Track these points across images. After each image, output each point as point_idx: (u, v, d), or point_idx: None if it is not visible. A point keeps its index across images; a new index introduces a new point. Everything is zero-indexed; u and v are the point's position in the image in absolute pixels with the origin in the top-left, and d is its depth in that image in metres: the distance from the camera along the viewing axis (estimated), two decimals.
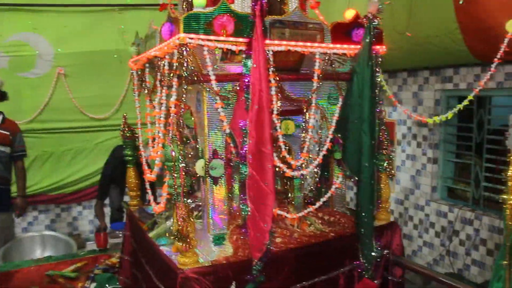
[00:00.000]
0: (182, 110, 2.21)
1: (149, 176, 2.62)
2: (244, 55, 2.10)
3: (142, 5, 5.87)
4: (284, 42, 2.32)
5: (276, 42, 2.31)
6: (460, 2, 3.21)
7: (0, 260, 4.42)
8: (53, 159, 6.01)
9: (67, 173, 6.06)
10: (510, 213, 1.60)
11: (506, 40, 2.93)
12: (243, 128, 2.11)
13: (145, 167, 2.86)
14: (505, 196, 1.60)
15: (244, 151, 2.10)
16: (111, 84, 5.89)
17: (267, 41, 2.28)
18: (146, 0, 5.79)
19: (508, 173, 1.59)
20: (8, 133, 4.68)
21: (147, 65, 2.83)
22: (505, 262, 1.63)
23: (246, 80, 2.04)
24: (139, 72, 2.97)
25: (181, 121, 2.17)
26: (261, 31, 1.99)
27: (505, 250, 1.64)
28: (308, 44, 2.39)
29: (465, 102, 3.52)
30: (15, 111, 5.58)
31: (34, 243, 4.85)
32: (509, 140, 3.86)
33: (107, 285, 3.23)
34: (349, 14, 2.63)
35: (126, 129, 3.38)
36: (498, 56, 2.83)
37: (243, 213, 2.17)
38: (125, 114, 3.37)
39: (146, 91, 2.87)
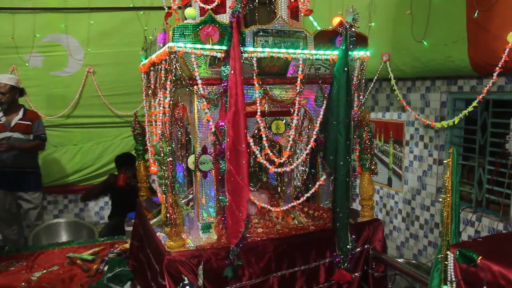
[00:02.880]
0: (178, 110, 2.47)
1: (152, 169, 2.90)
2: (222, 62, 2.33)
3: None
4: (267, 49, 2.54)
5: (259, 49, 2.52)
6: (475, 15, 3.35)
7: (31, 241, 4.87)
8: (82, 152, 6.46)
9: (95, 166, 6.51)
10: (446, 211, 1.76)
11: (507, 50, 3.08)
12: (222, 127, 2.35)
13: (151, 160, 3.14)
14: (443, 195, 1.76)
15: (223, 148, 2.34)
16: (137, 83, 6.22)
17: (251, 49, 2.51)
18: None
19: (447, 175, 1.74)
20: (29, 122, 5.20)
21: (151, 68, 3.10)
22: (442, 255, 1.80)
23: (224, 85, 2.28)
24: (146, 75, 3.25)
25: (175, 120, 2.44)
26: (237, 40, 2.22)
27: (442, 244, 1.81)
28: (290, 50, 2.60)
29: (470, 109, 3.66)
30: (48, 107, 6.09)
31: (60, 229, 5.27)
32: (509, 144, 3.92)
33: (116, 267, 3.54)
34: (335, 21, 2.80)
35: (137, 125, 3.68)
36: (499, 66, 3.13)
37: (221, 203, 2.41)
38: (135, 112, 3.66)
39: (150, 92, 3.15)
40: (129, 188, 5.36)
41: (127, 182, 5.45)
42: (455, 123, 3.83)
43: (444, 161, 1.86)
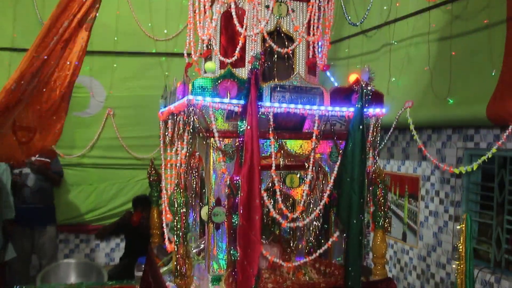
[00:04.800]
0: (194, 160, 2.51)
1: (168, 217, 2.91)
2: (239, 117, 2.38)
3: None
4: (284, 105, 2.58)
5: (276, 104, 2.57)
6: (492, 74, 3.46)
7: (39, 281, 4.85)
8: (97, 192, 6.51)
9: (109, 207, 6.53)
10: (460, 278, 1.72)
11: None
12: (237, 181, 2.36)
13: (166, 208, 3.15)
14: (456, 262, 1.73)
15: (236, 202, 2.35)
16: (155, 126, 6.34)
17: (268, 104, 2.56)
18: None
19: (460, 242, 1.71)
20: (48, 159, 5.42)
21: (170, 117, 3.17)
22: None
23: (241, 140, 2.31)
24: (164, 123, 3.32)
25: (191, 169, 2.47)
26: (255, 97, 2.27)
27: None
28: (307, 106, 2.64)
29: (484, 158, 3.66)
30: (68, 147, 6.19)
31: (70, 269, 5.26)
32: None
33: None
34: (352, 78, 2.86)
35: (153, 171, 3.72)
36: None
37: (233, 257, 2.39)
38: (152, 158, 3.71)
39: (168, 140, 3.21)
40: (142, 228, 5.40)
41: (141, 221, 5.56)
42: (474, 169, 3.80)
43: (457, 226, 1.83)
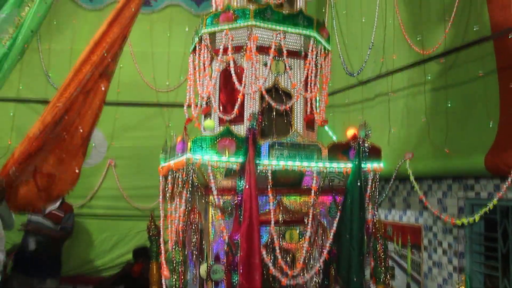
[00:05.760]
0: (193, 215, 2.50)
1: (165, 274, 2.87)
2: (238, 175, 2.40)
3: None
4: (282, 162, 2.61)
5: (274, 162, 2.59)
6: (490, 125, 3.60)
7: None
8: (97, 243, 6.44)
9: (108, 258, 6.44)
10: None
11: None
12: (236, 240, 2.35)
13: (164, 264, 3.11)
14: None
15: (235, 260, 2.33)
16: (155, 177, 6.36)
17: (266, 161, 2.58)
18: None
19: None
20: (62, 214, 5.31)
21: (169, 173, 3.19)
22: None
23: (239, 199, 2.32)
24: (164, 178, 3.33)
25: (190, 224, 2.46)
26: (253, 156, 2.30)
27: None
28: (305, 163, 2.66)
29: (485, 209, 3.66)
30: (67, 196, 6.16)
31: None
32: None
33: None
34: (349, 133, 2.89)
35: (152, 226, 3.70)
36: None
37: None
38: (152, 212, 3.70)
39: (168, 196, 3.21)
40: (143, 280, 5.29)
41: (142, 273, 5.47)
42: (476, 221, 3.78)
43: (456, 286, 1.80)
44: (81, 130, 3.68)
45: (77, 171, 3.94)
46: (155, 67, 6.66)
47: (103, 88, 3.61)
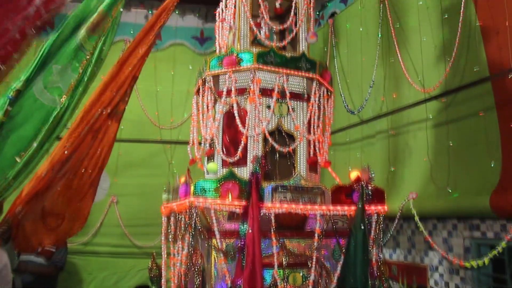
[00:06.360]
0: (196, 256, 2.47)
1: None
2: (241, 219, 2.38)
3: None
4: (286, 205, 2.60)
5: (278, 205, 2.58)
6: (492, 165, 3.60)
7: None
8: (96, 281, 6.33)
9: None
10: None
11: None
12: (239, 285, 2.32)
13: None
14: None
15: None
16: (158, 215, 6.32)
17: (269, 204, 2.57)
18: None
19: None
20: (54, 249, 5.15)
21: (172, 214, 3.17)
22: None
23: (242, 243, 2.30)
24: (166, 218, 3.31)
25: (193, 265, 2.43)
26: (256, 200, 2.29)
27: None
28: (308, 206, 2.65)
29: (494, 252, 3.59)
30: None
31: None
32: None
33: None
34: (352, 176, 2.89)
35: (154, 266, 3.66)
36: None
37: None
38: (153, 253, 3.66)
39: (171, 238, 3.18)
40: None
41: None
42: (486, 263, 3.71)
43: None
44: (89, 171, 3.67)
45: (84, 215, 3.91)
46: (158, 104, 6.72)
47: (112, 129, 3.62)
